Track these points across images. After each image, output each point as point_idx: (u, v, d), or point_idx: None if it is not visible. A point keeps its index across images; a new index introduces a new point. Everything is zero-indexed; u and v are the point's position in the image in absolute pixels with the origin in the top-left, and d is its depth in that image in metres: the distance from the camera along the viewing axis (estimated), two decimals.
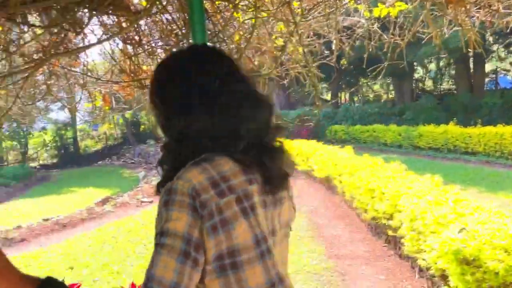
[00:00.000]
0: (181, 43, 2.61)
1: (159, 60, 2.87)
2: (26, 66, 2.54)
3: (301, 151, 12.54)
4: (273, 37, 2.75)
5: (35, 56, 2.65)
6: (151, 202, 11.47)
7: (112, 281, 5.34)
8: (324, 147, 11.74)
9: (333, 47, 2.49)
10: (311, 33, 2.76)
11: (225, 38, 2.50)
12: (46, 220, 9.57)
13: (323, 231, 6.94)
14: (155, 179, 15.07)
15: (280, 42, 2.76)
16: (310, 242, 6.30)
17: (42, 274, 5.42)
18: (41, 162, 29.35)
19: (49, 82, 3.06)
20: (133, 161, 24.91)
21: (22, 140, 27.15)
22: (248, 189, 0.85)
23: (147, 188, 13.40)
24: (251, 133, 0.88)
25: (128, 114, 28.12)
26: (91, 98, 3.32)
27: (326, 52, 2.77)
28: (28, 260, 6.86)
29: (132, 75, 2.94)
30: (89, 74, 3.04)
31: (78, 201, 13.59)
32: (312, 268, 5.23)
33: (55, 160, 29.06)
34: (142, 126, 31.74)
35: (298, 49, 2.71)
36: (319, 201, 9.25)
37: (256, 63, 2.66)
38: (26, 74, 2.62)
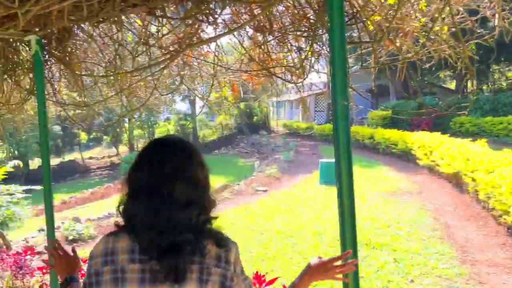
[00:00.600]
0: (313, 27, 2.48)
1: (289, 47, 2.79)
2: (163, 58, 2.63)
3: (422, 144, 11.64)
4: (414, 15, 2.46)
5: (171, 48, 2.74)
6: (265, 191, 11.69)
7: None
8: (451, 140, 10.69)
9: (496, 22, 2.12)
10: (462, 9, 2.41)
11: (364, 20, 2.29)
12: None
13: (452, 232, 6.31)
14: (269, 168, 15.35)
15: (423, 21, 2.46)
16: (438, 244, 5.76)
17: None
18: None
19: (182, 73, 3.18)
20: (246, 150, 25.77)
21: (150, 129, 29.83)
22: (126, 266, 1.09)
23: (262, 177, 13.69)
24: (150, 230, 1.08)
25: (242, 105, 29.17)
26: (219, 88, 3.37)
27: (479, 30, 2.37)
28: None
29: (260, 64, 2.89)
30: (219, 63, 3.08)
31: None
32: (443, 272, 4.76)
33: None
34: (255, 117, 32.66)
35: (445, 28, 2.39)
36: (445, 198, 8.47)
37: (397, 44, 2.40)
38: (162, 66, 2.73)
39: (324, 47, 2.65)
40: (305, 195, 10.30)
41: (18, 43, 2.98)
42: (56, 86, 3.38)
